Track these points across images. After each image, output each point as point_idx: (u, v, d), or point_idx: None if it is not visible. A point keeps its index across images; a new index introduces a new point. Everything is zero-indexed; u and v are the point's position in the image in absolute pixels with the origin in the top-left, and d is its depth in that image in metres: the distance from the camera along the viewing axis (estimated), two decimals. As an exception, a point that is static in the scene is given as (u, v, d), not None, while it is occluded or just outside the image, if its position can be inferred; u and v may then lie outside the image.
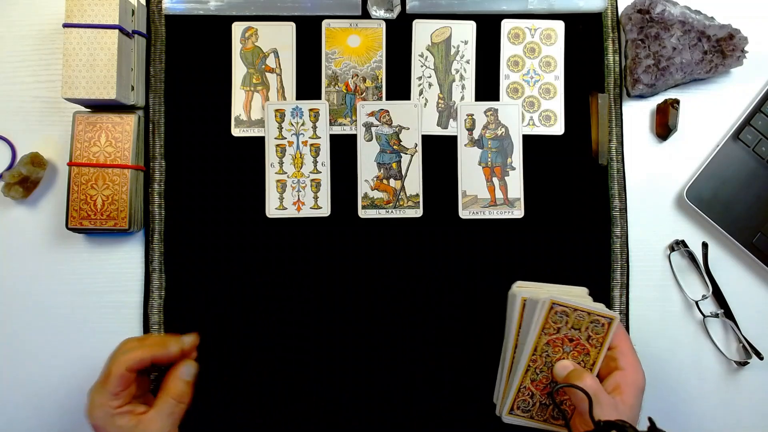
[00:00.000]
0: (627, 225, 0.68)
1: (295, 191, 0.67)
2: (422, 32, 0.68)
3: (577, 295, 0.58)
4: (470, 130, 0.68)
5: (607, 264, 0.67)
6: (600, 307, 0.54)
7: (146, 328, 0.66)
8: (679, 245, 0.67)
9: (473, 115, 0.68)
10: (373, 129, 0.67)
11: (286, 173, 0.67)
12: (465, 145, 0.68)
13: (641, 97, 0.69)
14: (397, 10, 0.68)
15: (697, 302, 0.67)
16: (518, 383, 0.56)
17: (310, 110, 0.67)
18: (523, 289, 0.58)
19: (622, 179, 0.68)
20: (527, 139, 0.68)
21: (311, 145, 0.67)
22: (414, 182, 0.67)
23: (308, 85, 0.68)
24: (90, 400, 0.55)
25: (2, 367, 0.66)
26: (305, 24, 0.68)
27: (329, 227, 0.67)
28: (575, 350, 0.55)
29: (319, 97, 0.68)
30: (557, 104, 0.68)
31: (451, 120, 0.68)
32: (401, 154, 0.67)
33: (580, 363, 0.55)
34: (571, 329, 0.54)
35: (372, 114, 0.67)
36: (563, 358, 0.55)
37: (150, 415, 0.55)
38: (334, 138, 0.67)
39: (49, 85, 0.68)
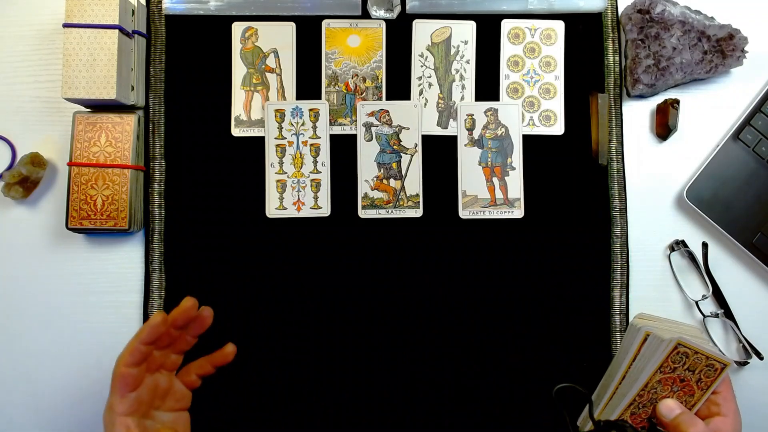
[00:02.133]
0: (627, 225, 0.68)
1: (295, 191, 0.67)
2: (422, 32, 0.68)
3: (695, 336, 0.57)
4: (470, 130, 0.68)
5: (607, 264, 0.67)
6: (717, 352, 0.54)
7: (146, 328, 0.66)
8: (679, 245, 0.67)
9: (473, 115, 0.68)
10: (373, 129, 0.67)
11: (286, 173, 0.67)
12: (465, 145, 0.68)
13: (641, 97, 0.69)
14: (397, 10, 0.68)
15: (697, 302, 0.67)
16: (618, 414, 0.55)
17: (310, 110, 0.67)
18: (645, 323, 0.57)
19: (622, 179, 0.68)
20: (527, 139, 0.68)
21: (311, 145, 0.67)
22: (414, 182, 0.67)
23: (308, 85, 0.68)
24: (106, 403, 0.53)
25: (2, 367, 0.66)
26: (305, 24, 0.68)
27: (329, 227, 0.67)
28: (682, 390, 0.54)
29: (319, 97, 0.68)
30: (557, 104, 0.68)
31: (451, 120, 0.68)
32: (401, 154, 0.67)
33: (682, 403, 0.55)
34: (686, 370, 0.54)
35: (372, 114, 0.67)
36: (668, 397, 0.55)
37: None
38: (334, 138, 0.67)
39: (49, 85, 0.68)
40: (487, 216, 0.67)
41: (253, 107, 0.67)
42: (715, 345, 0.67)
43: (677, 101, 0.67)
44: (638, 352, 0.55)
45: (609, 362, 0.61)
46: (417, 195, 0.67)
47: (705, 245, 0.67)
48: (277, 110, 0.67)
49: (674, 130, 0.67)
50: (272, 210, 0.67)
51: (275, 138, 0.67)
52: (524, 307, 0.66)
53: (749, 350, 0.66)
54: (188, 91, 0.67)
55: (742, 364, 0.67)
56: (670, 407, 0.54)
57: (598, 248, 0.67)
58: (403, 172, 0.67)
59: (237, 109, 0.67)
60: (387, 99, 0.68)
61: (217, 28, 0.68)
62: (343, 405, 0.65)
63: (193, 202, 0.66)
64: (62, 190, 0.66)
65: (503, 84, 0.69)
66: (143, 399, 0.53)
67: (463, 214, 0.67)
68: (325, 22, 0.68)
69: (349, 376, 0.66)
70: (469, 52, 0.68)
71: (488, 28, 0.69)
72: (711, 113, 0.69)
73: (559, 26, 0.69)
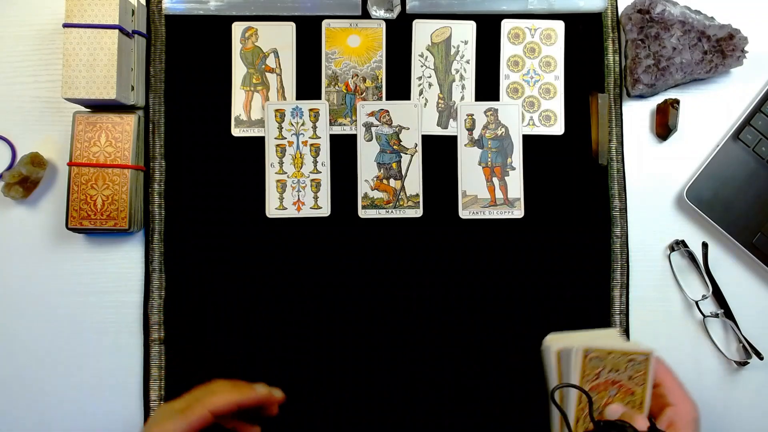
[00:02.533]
0: (627, 225, 0.68)
1: (295, 191, 0.67)
2: (422, 32, 0.68)
3: (609, 337, 0.57)
4: (470, 130, 0.68)
5: (607, 264, 0.67)
6: (633, 346, 0.54)
7: (146, 328, 0.65)
8: (679, 245, 0.67)
9: (473, 115, 0.68)
10: (373, 129, 0.67)
11: (286, 173, 0.67)
12: (465, 145, 0.68)
13: (641, 97, 0.69)
14: (397, 10, 0.68)
15: (697, 302, 0.67)
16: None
17: (310, 110, 0.67)
18: (555, 342, 0.57)
19: (622, 179, 0.68)
20: (527, 139, 0.68)
21: (311, 145, 0.67)
22: (414, 182, 0.67)
23: (308, 85, 0.68)
24: (156, 419, 0.53)
25: (2, 367, 0.66)
26: (305, 24, 0.68)
27: (329, 227, 0.67)
28: (620, 392, 0.54)
29: (319, 97, 0.68)
30: (557, 104, 0.68)
31: (451, 120, 0.68)
32: (401, 154, 0.67)
33: (628, 404, 0.54)
34: (610, 372, 0.53)
35: (372, 114, 0.67)
36: (610, 402, 0.54)
37: None
38: (334, 138, 0.67)
39: (49, 85, 0.68)
40: (487, 216, 0.67)
41: (253, 107, 0.67)
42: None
43: (677, 101, 0.67)
44: (560, 372, 0.55)
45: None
46: (417, 195, 0.67)
47: (705, 245, 0.67)
48: (277, 110, 0.67)
49: (674, 130, 0.67)
50: (272, 210, 0.67)
51: (275, 138, 0.67)
52: (524, 307, 0.66)
53: (749, 350, 0.66)
54: (188, 91, 0.67)
55: (742, 364, 0.67)
56: (614, 410, 0.53)
57: (598, 248, 0.67)
58: (403, 172, 0.67)
59: (237, 109, 0.67)
60: (387, 99, 0.68)
61: (217, 28, 0.68)
62: (343, 405, 0.65)
63: (193, 202, 0.66)
64: (62, 190, 0.66)
65: (503, 84, 0.69)
66: None
67: (463, 214, 0.67)
68: (325, 22, 0.68)
69: (349, 376, 0.66)
70: (469, 52, 0.68)
71: (488, 28, 0.69)
72: (711, 113, 0.69)
73: (559, 26, 0.69)
